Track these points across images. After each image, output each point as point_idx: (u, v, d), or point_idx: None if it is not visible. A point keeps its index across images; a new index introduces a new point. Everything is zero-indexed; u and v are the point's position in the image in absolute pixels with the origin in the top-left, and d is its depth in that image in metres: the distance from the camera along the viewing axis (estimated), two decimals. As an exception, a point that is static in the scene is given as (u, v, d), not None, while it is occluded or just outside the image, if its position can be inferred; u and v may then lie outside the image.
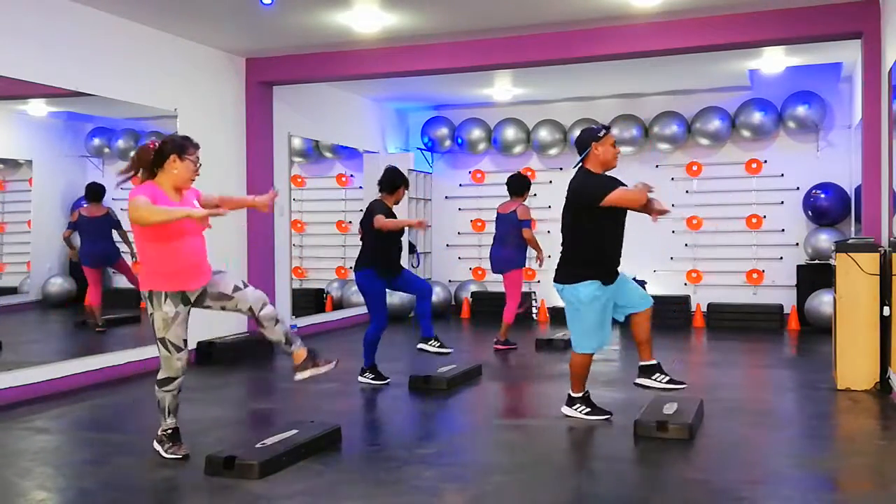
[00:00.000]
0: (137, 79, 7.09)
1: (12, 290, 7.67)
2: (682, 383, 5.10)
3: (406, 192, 6.55)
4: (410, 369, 6.77)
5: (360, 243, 6.44)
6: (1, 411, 5.56)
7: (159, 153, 4.26)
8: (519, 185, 7.96)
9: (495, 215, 8.14)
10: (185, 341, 4.39)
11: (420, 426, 5.44)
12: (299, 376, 4.56)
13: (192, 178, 4.37)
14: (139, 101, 7.16)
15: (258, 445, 4.27)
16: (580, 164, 5.01)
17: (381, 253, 6.27)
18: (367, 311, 6.51)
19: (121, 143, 8.43)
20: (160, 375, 4.40)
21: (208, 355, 7.50)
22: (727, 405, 5.61)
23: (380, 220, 6.17)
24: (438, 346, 6.39)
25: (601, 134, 4.94)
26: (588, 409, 5.18)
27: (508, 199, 8.03)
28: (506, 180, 8.11)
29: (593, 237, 4.90)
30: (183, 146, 4.29)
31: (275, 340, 4.53)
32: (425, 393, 6.10)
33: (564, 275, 4.97)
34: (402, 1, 6.51)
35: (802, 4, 6.59)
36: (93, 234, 7.82)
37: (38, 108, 7.57)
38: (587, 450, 4.81)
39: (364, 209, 6.51)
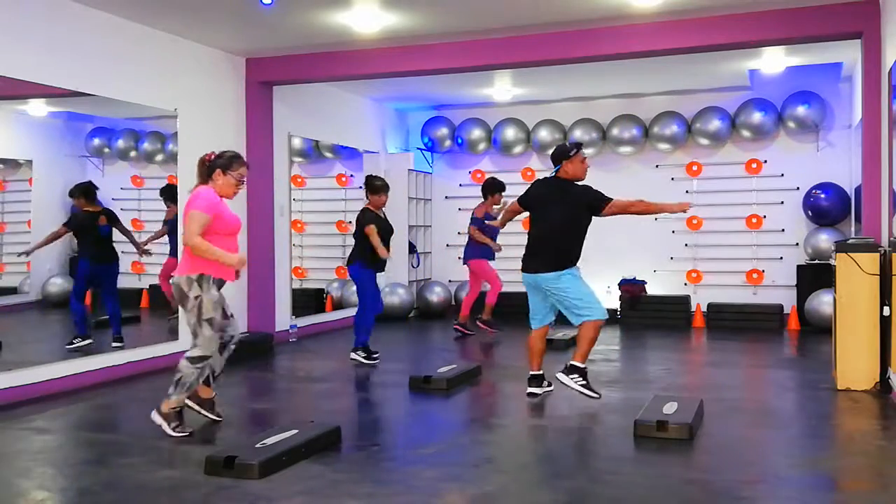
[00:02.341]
0: (137, 79, 7.09)
1: (12, 290, 7.66)
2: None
3: (383, 197, 7.31)
4: (410, 369, 6.78)
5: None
6: (1, 411, 5.56)
7: (211, 165, 4.93)
8: (497, 187, 9.14)
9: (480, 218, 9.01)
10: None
11: (420, 426, 5.43)
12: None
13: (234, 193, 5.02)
14: (139, 101, 7.17)
15: (258, 445, 4.27)
16: (555, 174, 5.74)
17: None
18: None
19: (121, 143, 8.43)
20: (195, 353, 4.76)
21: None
22: (727, 405, 5.61)
23: (369, 230, 7.14)
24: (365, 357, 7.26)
25: (572, 153, 5.64)
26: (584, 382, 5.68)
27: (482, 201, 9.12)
28: (489, 183, 9.10)
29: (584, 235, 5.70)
30: (230, 162, 4.99)
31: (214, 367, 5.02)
32: (425, 393, 6.10)
33: (561, 263, 5.60)
34: (402, 1, 6.52)
35: (802, 4, 6.59)
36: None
37: (38, 108, 7.56)
38: (587, 450, 4.81)
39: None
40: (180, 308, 4.87)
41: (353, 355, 7.29)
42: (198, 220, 4.68)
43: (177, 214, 7.96)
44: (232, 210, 5.01)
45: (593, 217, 5.62)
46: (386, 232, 7.29)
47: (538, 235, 5.69)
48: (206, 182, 4.91)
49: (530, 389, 5.86)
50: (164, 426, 4.75)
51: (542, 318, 5.81)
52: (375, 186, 7.28)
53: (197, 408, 5.06)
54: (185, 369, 4.74)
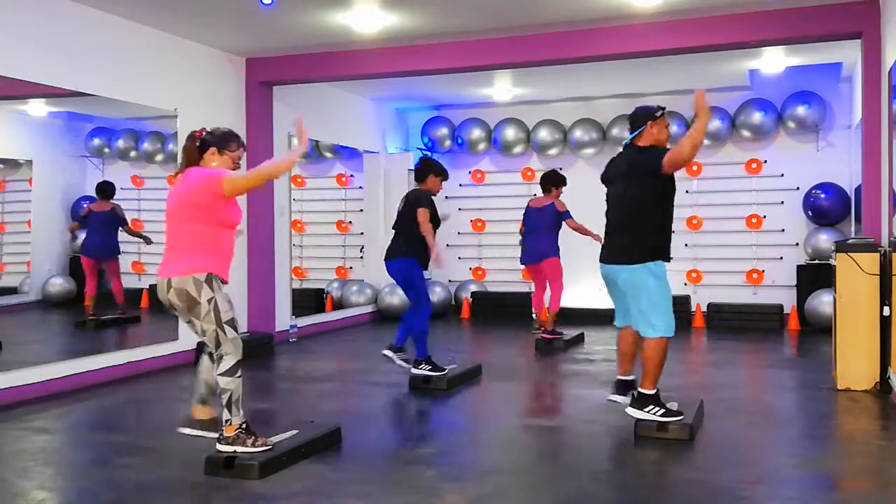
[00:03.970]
0: (137, 79, 7.09)
1: (12, 290, 7.67)
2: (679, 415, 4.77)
3: (440, 180, 6.40)
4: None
5: (394, 231, 6.36)
6: (1, 411, 5.56)
7: (202, 143, 4.17)
8: (554, 180, 8.19)
9: (526, 210, 8.34)
10: None
11: (420, 426, 5.44)
12: (185, 430, 4.31)
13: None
14: (139, 101, 7.16)
15: (258, 445, 4.27)
16: (630, 142, 4.94)
17: (421, 244, 6.19)
18: (411, 303, 6.38)
19: (121, 143, 8.43)
20: (230, 363, 4.17)
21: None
22: (727, 405, 5.60)
23: (422, 215, 6.12)
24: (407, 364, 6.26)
25: (658, 114, 4.93)
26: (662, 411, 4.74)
27: (541, 195, 8.31)
28: (542, 177, 8.34)
29: (658, 212, 4.83)
30: (225, 141, 4.21)
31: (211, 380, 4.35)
32: (425, 393, 6.10)
33: (638, 253, 4.70)
34: (402, 1, 6.52)
35: (802, 4, 6.59)
36: (98, 228, 7.94)
37: (38, 108, 7.57)
38: (587, 450, 4.80)
39: (408, 198, 6.33)
40: (185, 316, 4.21)
41: (415, 371, 6.22)
42: (237, 173, 4.10)
43: (110, 210, 7.91)
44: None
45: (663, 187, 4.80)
46: (435, 225, 6.29)
47: (607, 218, 4.96)
48: (196, 164, 4.17)
49: (611, 397, 5.11)
50: (241, 448, 4.11)
51: (625, 314, 4.89)
52: (443, 170, 6.39)
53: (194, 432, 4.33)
54: (228, 385, 4.14)
